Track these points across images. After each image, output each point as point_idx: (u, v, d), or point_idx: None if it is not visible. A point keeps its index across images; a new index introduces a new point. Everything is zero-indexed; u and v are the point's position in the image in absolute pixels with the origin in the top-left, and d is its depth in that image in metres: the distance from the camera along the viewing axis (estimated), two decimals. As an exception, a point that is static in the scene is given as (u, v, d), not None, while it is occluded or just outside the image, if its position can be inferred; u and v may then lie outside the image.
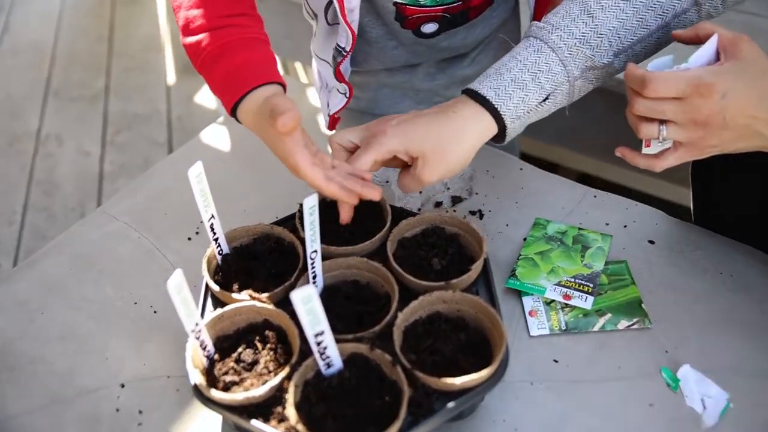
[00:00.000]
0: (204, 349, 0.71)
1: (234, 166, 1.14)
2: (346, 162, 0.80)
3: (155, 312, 0.91)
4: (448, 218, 0.85)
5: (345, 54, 0.96)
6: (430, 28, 0.99)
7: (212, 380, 0.71)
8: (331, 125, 1.10)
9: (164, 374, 0.83)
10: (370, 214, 0.87)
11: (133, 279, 0.96)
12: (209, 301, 0.79)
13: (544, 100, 0.79)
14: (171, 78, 2.67)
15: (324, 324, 0.64)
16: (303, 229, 0.73)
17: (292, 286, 0.77)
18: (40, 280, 0.96)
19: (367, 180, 0.78)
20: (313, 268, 0.76)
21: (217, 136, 1.21)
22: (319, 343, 0.65)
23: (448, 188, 1.08)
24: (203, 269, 0.79)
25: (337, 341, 0.70)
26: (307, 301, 0.60)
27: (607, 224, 0.99)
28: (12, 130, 2.48)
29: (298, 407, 0.66)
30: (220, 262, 0.82)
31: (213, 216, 0.78)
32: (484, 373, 0.67)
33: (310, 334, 0.64)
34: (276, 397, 0.68)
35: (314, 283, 0.78)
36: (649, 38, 0.80)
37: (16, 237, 2.09)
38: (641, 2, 0.78)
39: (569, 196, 1.05)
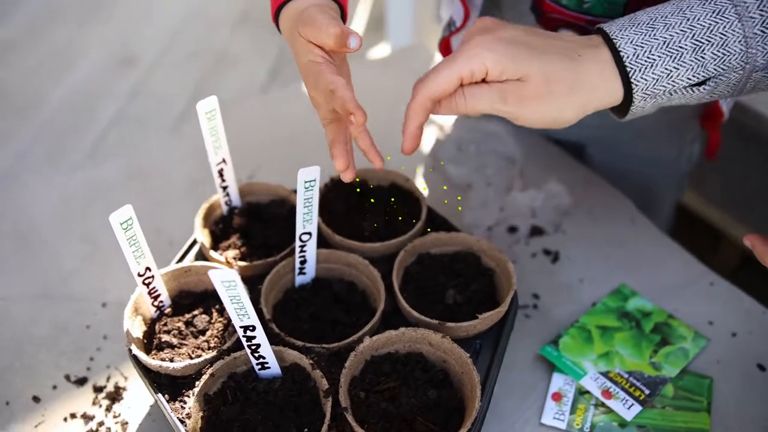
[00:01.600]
0: (155, 298, 0.64)
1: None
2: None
3: (170, 244, 0.86)
4: (487, 248, 0.69)
5: (454, 29, 0.81)
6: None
7: (150, 333, 0.64)
8: None
9: (144, 308, 0.78)
10: (406, 211, 0.74)
11: (170, 205, 0.92)
12: (195, 249, 0.72)
13: (699, 84, 0.55)
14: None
15: (253, 319, 0.53)
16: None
17: (275, 263, 0.67)
18: (94, 180, 0.96)
19: (377, 163, 0.59)
20: (302, 253, 0.65)
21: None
22: (249, 339, 0.55)
23: (535, 216, 0.90)
24: (197, 215, 0.72)
25: (284, 344, 0.60)
26: (229, 286, 0.50)
27: (711, 324, 0.76)
28: (195, 45, 2.64)
29: (208, 400, 0.57)
30: (225, 213, 0.74)
31: (224, 161, 0.70)
32: (422, 451, 0.52)
33: (237, 325, 0.53)
34: (194, 379, 0.59)
35: (302, 270, 0.67)
36: None
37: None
38: None
39: (678, 273, 0.82)
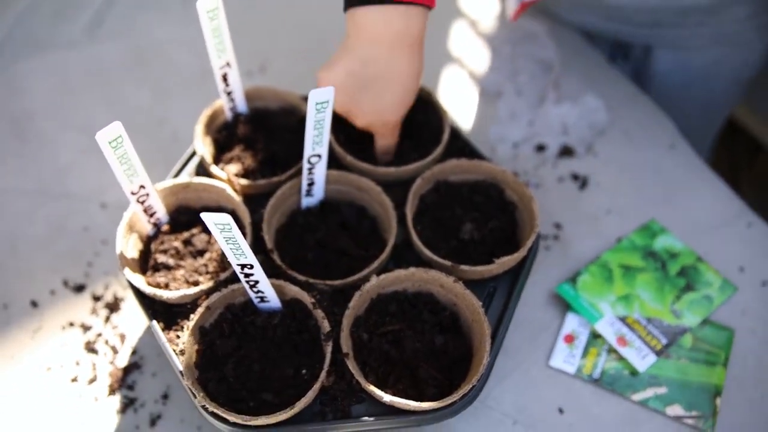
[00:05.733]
0: (151, 215, 0.60)
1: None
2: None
3: (175, 139, 0.81)
4: (512, 181, 0.63)
5: None
6: None
7: (146, 252, 0.60)
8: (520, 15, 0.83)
9: (143, 213, 0.74)
10: (426, 130, 0.67)
11: (173, 95, 0.86)
12: (195, 159, 0.67)
13: None
14: None
15: (250, 258, 0.49)
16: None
17: (281, 183, 0.62)
18: (92, 61, 0.89)
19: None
20: (310, 175, 0.60)
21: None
22: (247, 276, 0.51)
23: (567, 133, 0.83)
24: (198, 123, 0.65)
25: (286, 278, 0.56)
26: (223, 228, 0.45)
27: (742, 270, 0.71)
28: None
29: (204, 332, 0.54)
30: (229, 119, 0.68)
31: (228, 64, 0.63)
32: (423, 406, 0.50)
33: (233, 263, 0.49)
34: (190, 308, 0.56)
35: (309, 191, 0.62)
36: None
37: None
38: None
39: (715, 209, 0.76)
